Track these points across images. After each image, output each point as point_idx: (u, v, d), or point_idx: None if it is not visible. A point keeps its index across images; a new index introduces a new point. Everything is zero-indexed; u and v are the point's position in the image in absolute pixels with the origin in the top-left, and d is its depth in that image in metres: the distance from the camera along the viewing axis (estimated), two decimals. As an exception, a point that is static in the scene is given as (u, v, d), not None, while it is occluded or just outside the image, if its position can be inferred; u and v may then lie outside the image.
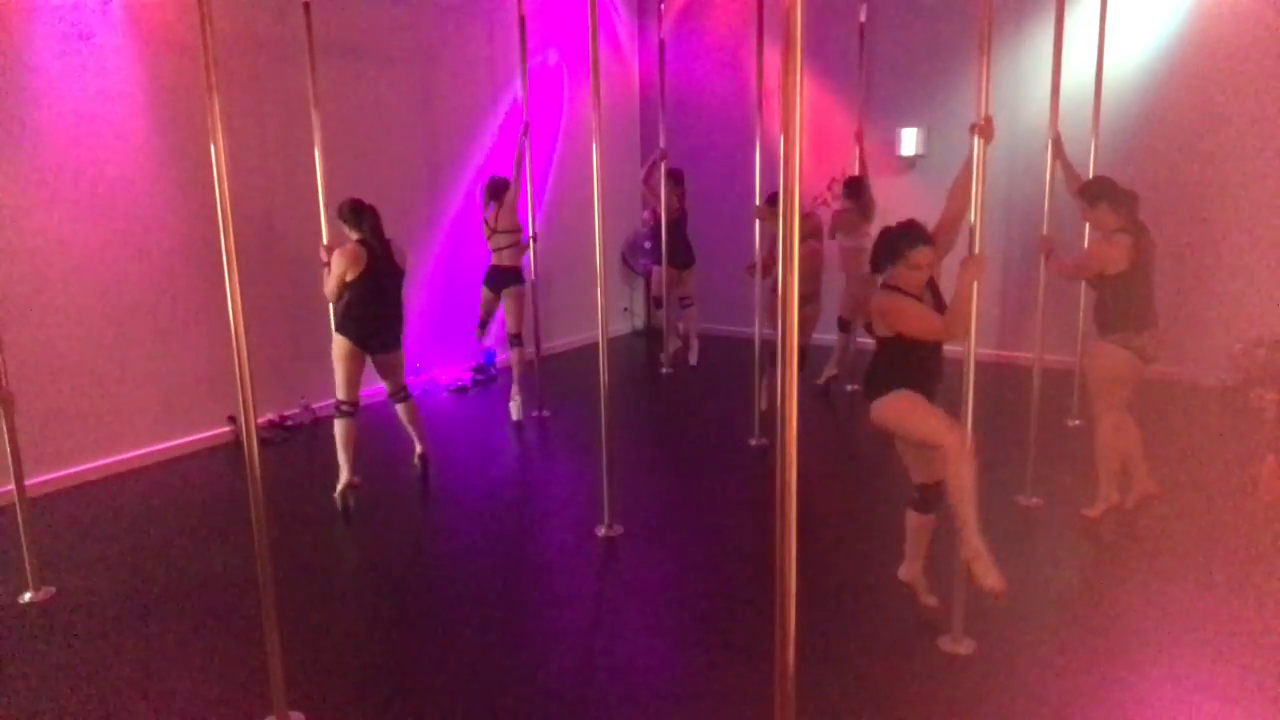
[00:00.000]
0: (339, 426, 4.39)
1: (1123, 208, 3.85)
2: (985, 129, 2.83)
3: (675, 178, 7.05)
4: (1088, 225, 4.49)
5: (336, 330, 4.37)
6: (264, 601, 2.67)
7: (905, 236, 3.03)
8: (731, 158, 7.81)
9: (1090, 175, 5.23)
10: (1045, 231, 4.34)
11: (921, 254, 2.99)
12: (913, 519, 3.26)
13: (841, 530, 4.11)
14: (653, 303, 7.08)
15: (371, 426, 5.87)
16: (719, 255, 7.57)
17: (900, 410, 3.03)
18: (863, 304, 6.25)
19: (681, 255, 7.11)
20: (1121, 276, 3.80)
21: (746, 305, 5.61)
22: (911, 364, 3.07)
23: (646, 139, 8.92)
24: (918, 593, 3.32)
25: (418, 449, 4.86)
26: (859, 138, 6.89)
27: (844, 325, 6.39)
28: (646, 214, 7.27)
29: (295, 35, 4.71)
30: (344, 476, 4.40)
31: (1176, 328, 6.50)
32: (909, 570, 3.33)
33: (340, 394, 4.37)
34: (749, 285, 5.47)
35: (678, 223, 7.06)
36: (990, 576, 2.90)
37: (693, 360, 7.30)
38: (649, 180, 7.12)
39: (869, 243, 5.96)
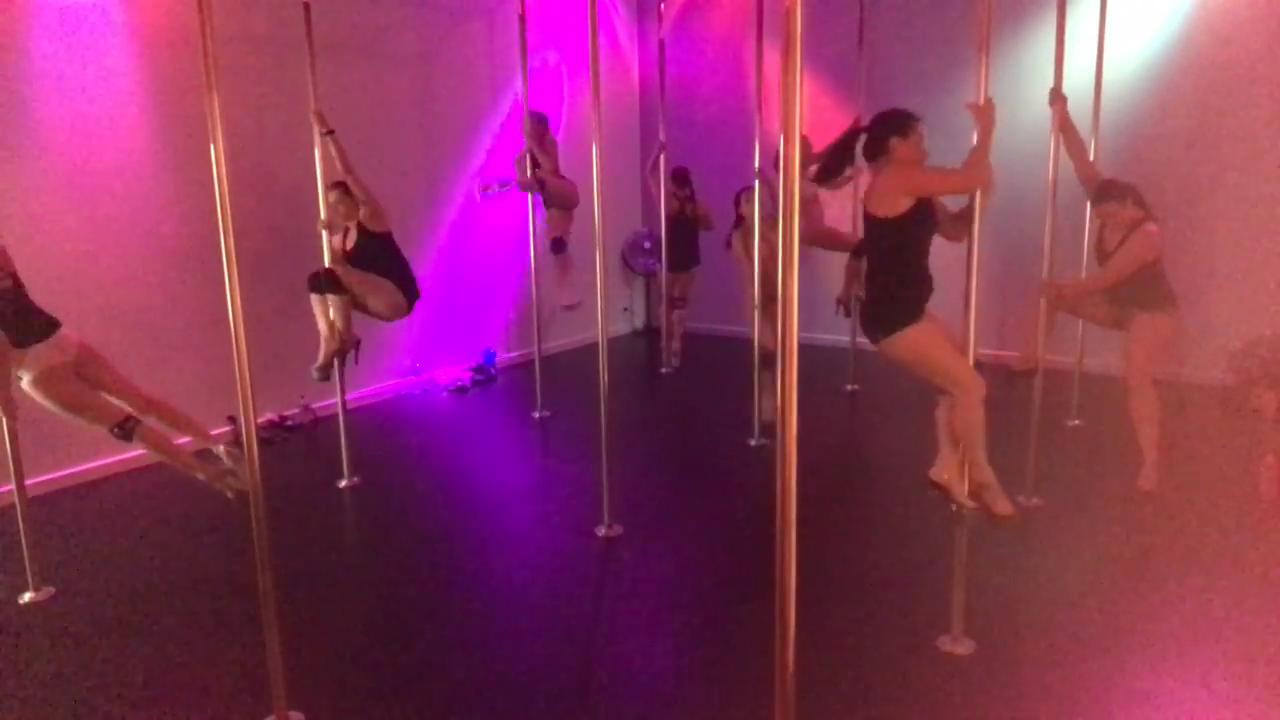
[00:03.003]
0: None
1: (1130, 200, 4.21)
2: (984, 111, 2.83)
3: (680, 178, 7.03)
4: (1091, 219, 4.76)
5: None
6: (264, 601, 2.67)
7: (902, 114, 3.13)
8: (731, 158, 7.80)
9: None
10: (1046, 239, 4.27)
11: (922, 128, 3.12)
12: (945, 408, 3.19)
13: (841, 530, 4.11)
14: (667, 302, 7.12)
15: (371, 426, 5.88)
16: (719, 255, 7.56)
17: (925, 345, 3.03)
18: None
19: (678, 257, 7.05)
20: (1157, 259, 4.21)
21: (746, 305, 5.60)
22: (915, 282, 3.04)
23: (646, 139, 8.92)
24: (952, 493, 3.07)
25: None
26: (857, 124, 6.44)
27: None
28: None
29: (295, 35, 4.71)
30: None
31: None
32: (943, 469, 3.16)
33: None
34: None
35: (682, 223, 7.02)
36: (1000, 503, 3.02)
37: (674, 362, 7.18)
38: (654, 172, 7.07)
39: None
